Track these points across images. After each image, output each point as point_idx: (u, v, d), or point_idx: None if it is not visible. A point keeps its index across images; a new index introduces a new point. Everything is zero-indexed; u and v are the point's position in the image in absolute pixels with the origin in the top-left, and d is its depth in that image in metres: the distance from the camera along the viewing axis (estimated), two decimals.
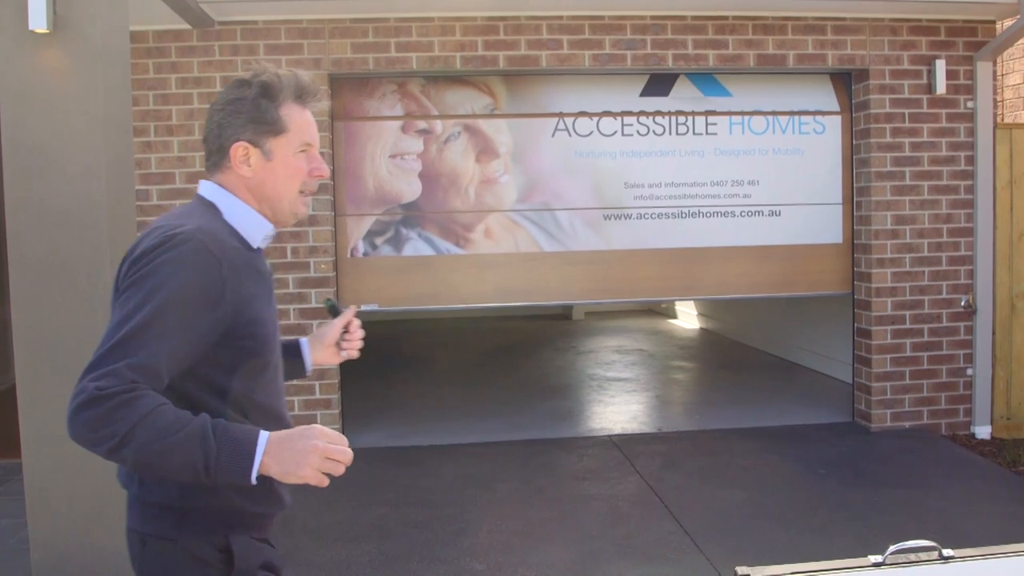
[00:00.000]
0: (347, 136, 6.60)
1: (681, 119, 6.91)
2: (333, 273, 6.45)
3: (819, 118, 7.03)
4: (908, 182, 6.84)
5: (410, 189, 6.69)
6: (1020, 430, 7.02)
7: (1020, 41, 6.68)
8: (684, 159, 6.93)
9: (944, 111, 6.82)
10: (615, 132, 6.87)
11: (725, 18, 6.59)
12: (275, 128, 2.11)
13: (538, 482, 5.97)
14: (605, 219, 6.90)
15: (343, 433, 6.51)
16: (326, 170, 2.20)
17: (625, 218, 6.91)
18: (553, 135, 6.83)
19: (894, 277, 6.87)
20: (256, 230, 2.15)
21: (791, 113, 6.99)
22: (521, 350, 11.43)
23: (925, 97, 6.82)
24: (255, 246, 2.15)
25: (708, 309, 12.77)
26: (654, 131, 6.88)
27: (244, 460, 1.82)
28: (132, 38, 6.09)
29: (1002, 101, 6.99)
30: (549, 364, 10.38)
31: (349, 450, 1.87)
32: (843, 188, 7.09)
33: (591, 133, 6.85)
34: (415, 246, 6.72)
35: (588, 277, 6.90)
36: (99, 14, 4.02)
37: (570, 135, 6.84)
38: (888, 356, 6.92)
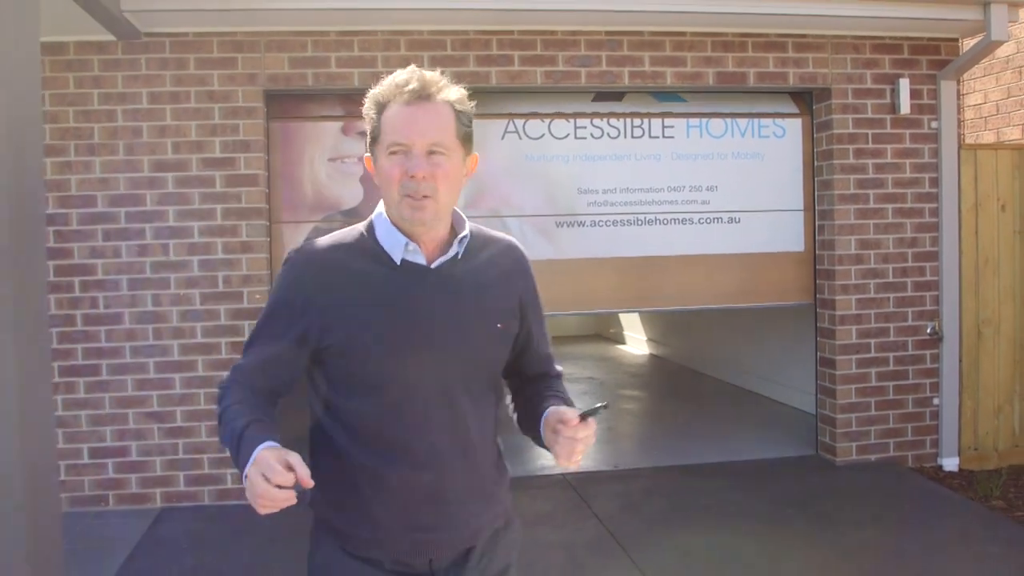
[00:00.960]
0: (283, 137, 6.18)
1: (636, 121, 6.58)
2: None
3: (779, 121, 6.75)
4: (872, 205, 6.59)
5: (350, 194, 6.26)
6: (987, 461, 6.78)
7: (982, 60, 6.47)
8: (640, 163, 6.59)
9: (908, 131, 6.59)
10: (567, 135, 6.52)
11: (683, 34, 6.30)
12: (374, 134, 2.11)
13: None
14: (557, 227, 6.53)
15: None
16: (420, 169, 2.03)
17: (578, 225, 6.55)
18: (503, 138, 6.46)
19: (859, 304, 6.60)
20: (393, 246, 2.13)
21: (750, 116, 6.69)
22: None
23: (889, 117, 6.58)
24: (397, 261, 2.11)
25: (658, 334, 12.49)
26: (608, 134, 6.54)
27: (242, 471, 1.86)
28: (49, 50, 5.66)
29: (963, 121, 6.81)
30: None
31: (275, 491, 1.78)
32: (804, 195, 6.81)
33: (542, 136, 6.49)
34: None
35: (540, 288, 6.49)
36: (3, 21, 3.59)
37: (520, 138, 6.48)
38: (853, 386, 6.64)
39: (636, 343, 13.34)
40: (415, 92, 2.04)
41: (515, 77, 6.14)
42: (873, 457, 6.68)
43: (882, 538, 5.27)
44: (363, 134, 6.21)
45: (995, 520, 5.63)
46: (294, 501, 1.81)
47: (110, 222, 5.86)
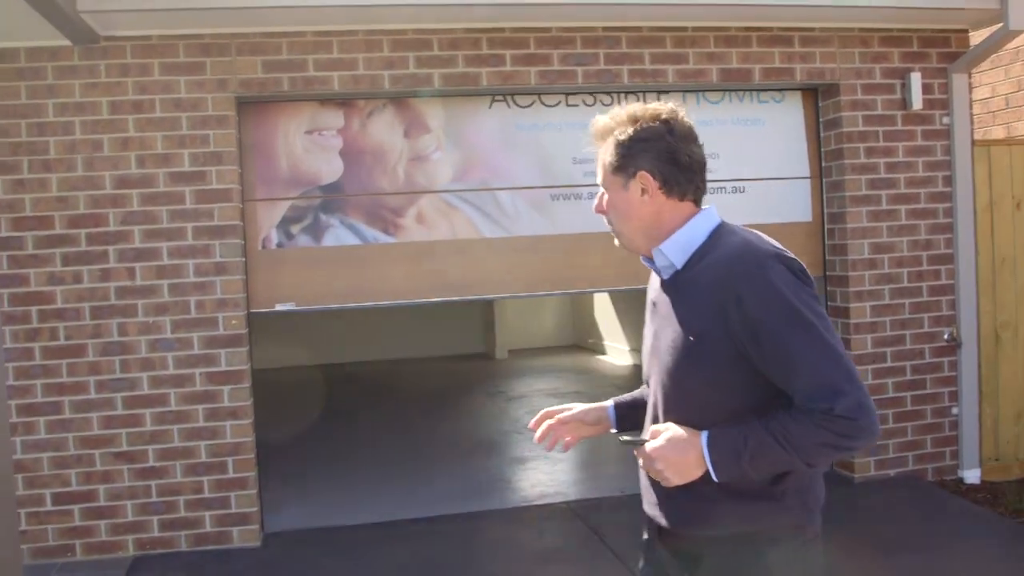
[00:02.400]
0: (256, 107, 5.68)
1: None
2: (245, 330, 5.52)
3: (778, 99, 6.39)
4: (885, 207, 6.24)
5: (330, 168, 5.76)
6: (1009, 472, 6.44)
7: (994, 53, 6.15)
8: None
9: (919, 128, 6.25)
10: (559, 103, 6.06)
11: (684, 29, 5.91)
12: None
13: (492, 569, 5.12)
14: (552, 199, 6.07)
15: (261, 518, 5.62)
16: (599, 204, 2.40)
17: (575, 198, 6.09)
18: (490, 106, 6.00)
19: (873, 311, 6.25)
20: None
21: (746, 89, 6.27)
22: (445, 396, 10.56)
23: (899, 113, 6.24)
24: (663, 276, 2.33)
25: (640, 343, 12.09)
26: (601, 100, 6.09)
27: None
28: None
29: (971, 116, 6.53)
30: (480, 413, 9.56)
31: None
32: (810, 161, 6.42)
33: (532, 104, 6.04)
34: (337, 234, 5.78)
35: (536, 265, 6.04)
36: None
37: (509, 106, 6.01)
38: (873, 398, 6.27)
39: (618, 353, 12.94)
40: (591, 134, 2.37)
41: (507, 78, 5.71)
42: (892, 472, 6.33)
43: (919, 561, 4.90)
44: (343, 104, 5.79)
45: None
46: None
47: (71, 244, 5.33)
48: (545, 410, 2.53)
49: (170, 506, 5.46)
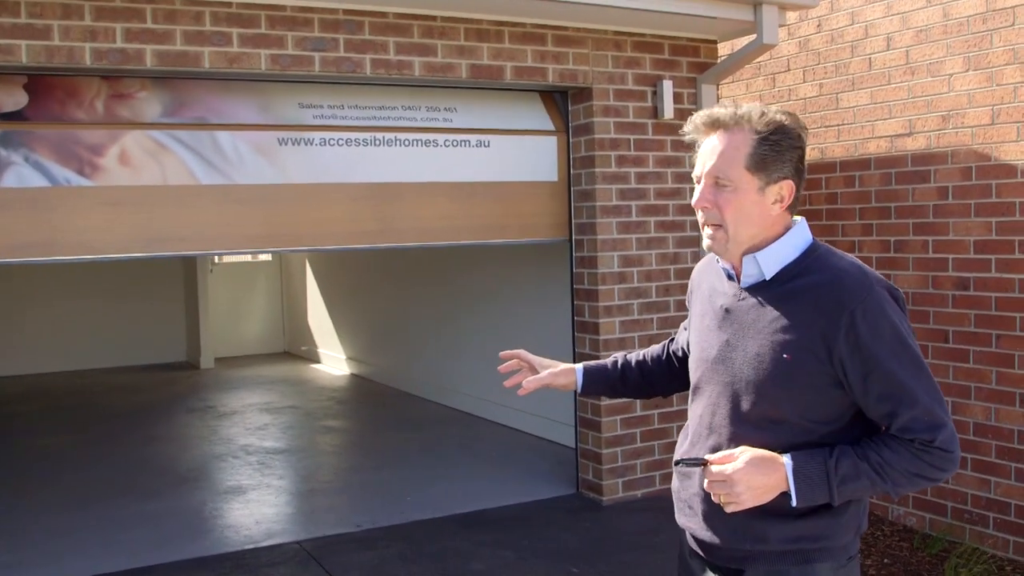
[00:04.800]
0: None
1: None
2: None
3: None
4: (635, 218, 6.01)
5: (11, 98, 4.73)
6: None
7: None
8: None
9: (669, 138, 6.07)
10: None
11: (433, 19, 5.38)
12: None
13: None
14: (280, 144, 5.33)
15: None
16: (698, 200, 2.18)
17: (305, 144, 5.40)
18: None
19: (622, 327, 6.00)
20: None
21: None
22: (144, 415, 9.40)
23: (651, 122, 6.03)
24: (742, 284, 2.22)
25: (360, 351, 11.47)
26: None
27: None
28: None
29: None
30: (186, 433, 8.55)
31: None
32: (553, 120, 6.12)
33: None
34: (20, 174, 4.70)
35: (260, 219, 5.29)
36: None
37: None
38: (619, 418, 6.04)
39: (334, 362, 12.21)
40: (691, 129, 2.21)
41: (234, 60, 4.94)
42: (639, 493, 6.12)
43: None
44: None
45: None
46: None
47: None
48: (520, 351, 2.63)
49: None
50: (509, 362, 2.62)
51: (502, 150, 5.93)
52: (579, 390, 2.60)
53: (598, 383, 2.62)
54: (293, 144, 5.38)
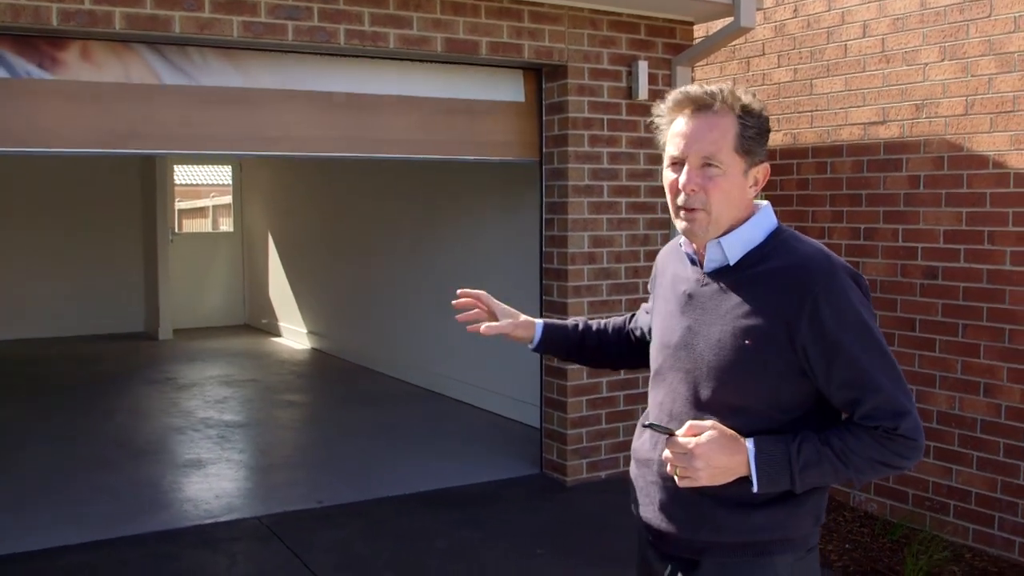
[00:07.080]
0: None
1: None
2: None
3: None
4: (606, 198, 5.98)
5: None
6: None
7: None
8: None
9: (642, 119, 6.03)
10: None
11: None
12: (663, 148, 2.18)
13: None
14: (243, 49, 5.21)
15: None
16: (686, 183, 2.09)
17: (278, 52, 5.29)
18: None
19: (591, 307, 5.98)
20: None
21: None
22: (103, 386, 9.25)
23: (624, 102, 5.99)
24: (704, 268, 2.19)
25: (322, 325, 11.38)
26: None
27: None
28: None
29: None
30: (145, 404, 8.44)
31: None
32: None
33: None
34: None
35: (224, 119, 5.20)
36: None
37: None
38: (584, 398, 6.02)
39: (295, 335, 12.09)
40: (671, 105, 2.14)
41: (205, 26, 4.82)
42: (603, 474, 6.12)
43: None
44: None
45: None
46: None
47: None
48: (481, 292, 2.57)
49: None
50: (465, 300, 2.57)
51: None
52: (533, 345, 2.54)
53: (555, 342, 2.56)
54: (264, 52, 5.27)
